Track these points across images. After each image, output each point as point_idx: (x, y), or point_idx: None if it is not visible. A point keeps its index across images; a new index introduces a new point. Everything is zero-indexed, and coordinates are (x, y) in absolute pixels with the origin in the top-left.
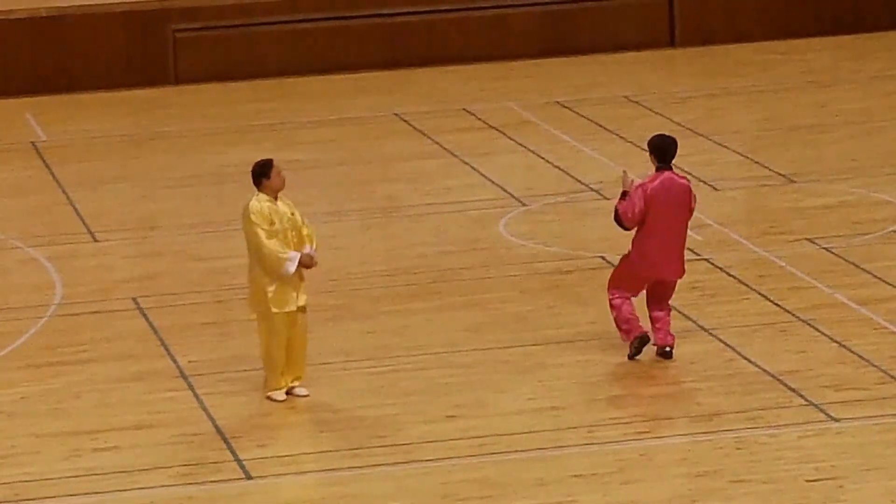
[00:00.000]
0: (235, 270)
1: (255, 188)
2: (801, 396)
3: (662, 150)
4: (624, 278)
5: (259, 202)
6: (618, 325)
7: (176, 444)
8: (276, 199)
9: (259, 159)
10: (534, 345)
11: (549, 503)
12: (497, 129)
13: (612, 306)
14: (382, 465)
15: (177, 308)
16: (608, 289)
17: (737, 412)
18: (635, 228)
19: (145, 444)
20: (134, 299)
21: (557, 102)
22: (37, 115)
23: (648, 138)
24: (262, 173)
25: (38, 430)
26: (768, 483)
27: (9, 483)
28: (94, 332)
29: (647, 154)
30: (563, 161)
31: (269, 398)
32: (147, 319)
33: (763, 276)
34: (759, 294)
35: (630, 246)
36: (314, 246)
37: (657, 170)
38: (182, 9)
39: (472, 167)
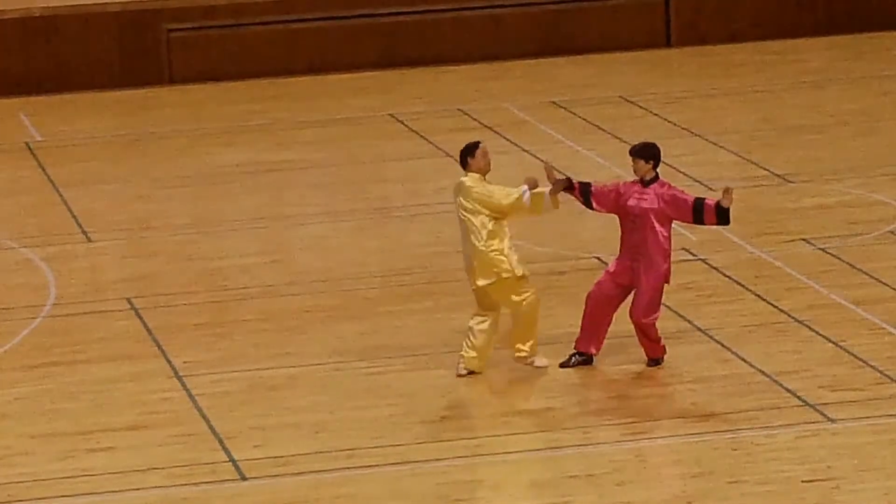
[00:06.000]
0: (230, 271)
1: (462, 170)
2: (797, 397)
3: (658, 154)
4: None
5: (471, 179)
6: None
7: (170, 445)
8: (483, 180)
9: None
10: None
11: None
12: (492, 130)
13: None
14: (378, 465)
15: (171, 308)
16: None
17: (732, 413)
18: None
19: (140, 444)
20: (128, 299)
21: (553, 102)
22: (30, 116)
23: (637, 146)
24: (466, 153)
25: (32, 431)
26: (764, 484)
27: (3, 484)
28: (88, 332)
29: (639, 163)
30: (559, 161)
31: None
32: (141, 320)
33: (759, 277)
34: (755, 294)
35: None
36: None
37: (654, 177)
38: (175, 9)
39: None
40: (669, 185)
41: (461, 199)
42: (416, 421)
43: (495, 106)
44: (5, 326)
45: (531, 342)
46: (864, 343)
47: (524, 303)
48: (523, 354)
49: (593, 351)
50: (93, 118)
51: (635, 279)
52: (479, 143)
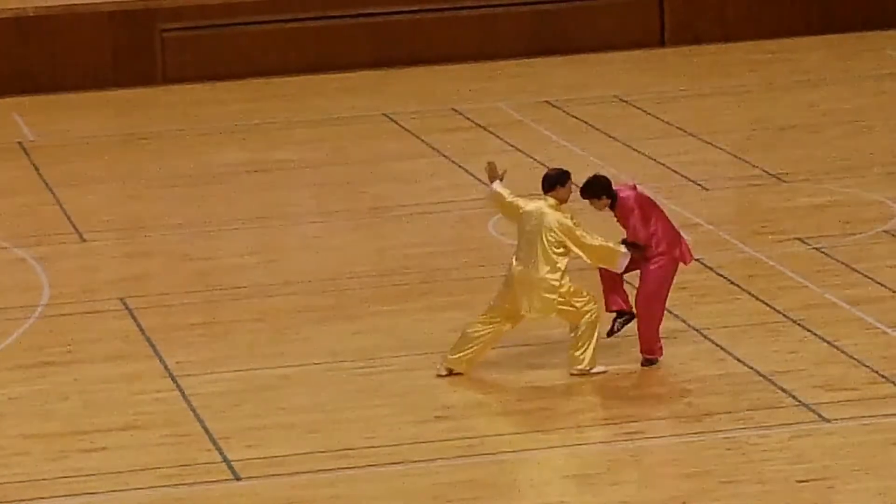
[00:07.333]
0: (224, 271)
1: (544, 193)
2: (792, 397)
3: (608, 186)
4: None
5: (557, 207)
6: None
7: (164, 445)
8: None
9: (557, 168)
10: (523, 345)
11: None
12: (486, 129)
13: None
14: (372, 466)
15: (164, 308)
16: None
17: (727, 413)
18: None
19: (133, 445)
20: (121, 300)
21: (547, 102)
22: (24, 115)
23: (582, 188)
24: (559, 180)
25: (25, 432)
26: (759, 484)
27: None
28: (82, 332)
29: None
30: (553, 161)
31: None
32: (134, 320)
33: (753, 276)
34: (750, 294)
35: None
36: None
37: (613, 202)
38: (169, 8)
39: (461, 167)
40: (627, 203)
41: (549, 226)
42: (410, 421)
43: (489, 106)
44: None
45: (586, 351)
46: (859, 342)
47: (585, 320)
48: (579, 364)
49: (624, 306)
50: (86, 118)
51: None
52: (570, 173)
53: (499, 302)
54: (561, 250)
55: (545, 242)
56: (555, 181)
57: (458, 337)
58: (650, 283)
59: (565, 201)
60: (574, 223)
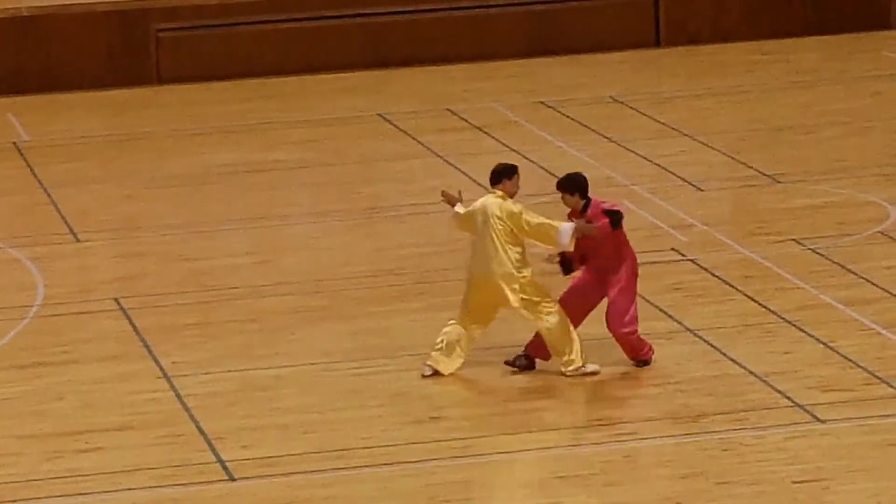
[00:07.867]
0: (219, 271)
1: (491, 186)
2: (787, 398)
3: (584, 185)
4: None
5: (505, 198)
6: (643, 349)
7: (159, 446)
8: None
9: (504, 162)
10: (518, 346)
11: None
12: (481, 130)
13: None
14: (367, 466)
15: (159, 309)
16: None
17: (722, 413)
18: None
19: (128, 445)
20: (116, 300)
21: (542, 102)
22: (19, 116)
23: (561, 179)
24: (505, 174)
25: (20, 432)
26: (754, 484)
27: None
28: (76, 332)
29: (566, 195)
30: (548, 161)
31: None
32: (129, 320)
33: (748, 277)
34: (745, 295)
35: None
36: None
37: (585, 205)
38: (164, 8)
39: (456, 167)
40: (595, 205)
41: (495, 214)
42: (405, 421)
43: (484, 106)
44: None
45: (572, 351)
46: (854, 343)
47: (549, 321)
48: (570, 366)
49: (545, 358)
50: (81, 118)
51: (605, 288)
52: (517, 167)
53: (465, 304)
54: (511, 239)
55: (495, 233)
56: (501, 175)
57: (439, 338)
58: (619, 305)
59: (513, 195)
60: (519, 210)
